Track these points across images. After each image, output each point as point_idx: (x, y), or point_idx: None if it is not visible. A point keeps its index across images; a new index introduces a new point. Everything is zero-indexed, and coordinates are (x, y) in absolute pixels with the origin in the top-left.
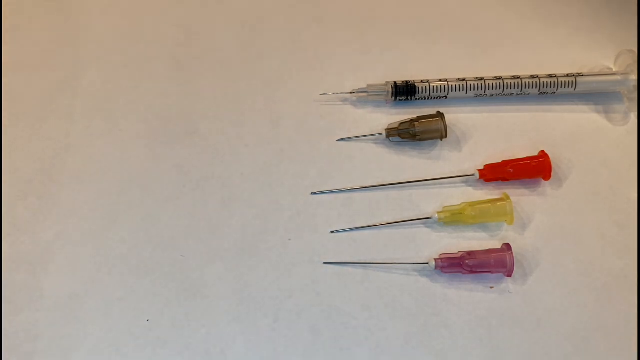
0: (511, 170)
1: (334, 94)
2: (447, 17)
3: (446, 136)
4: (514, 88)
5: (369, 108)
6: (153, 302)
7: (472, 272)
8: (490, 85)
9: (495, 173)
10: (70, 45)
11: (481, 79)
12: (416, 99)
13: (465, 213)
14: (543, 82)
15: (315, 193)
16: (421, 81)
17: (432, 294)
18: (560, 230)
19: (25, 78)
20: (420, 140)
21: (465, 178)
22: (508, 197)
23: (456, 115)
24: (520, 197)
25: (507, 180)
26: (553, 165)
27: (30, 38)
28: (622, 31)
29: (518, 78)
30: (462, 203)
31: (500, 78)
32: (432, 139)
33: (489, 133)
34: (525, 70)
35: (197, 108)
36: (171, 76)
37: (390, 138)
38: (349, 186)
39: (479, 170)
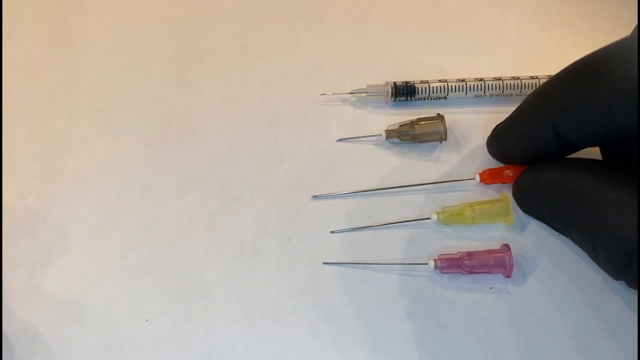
0: (511, 173)
1: (333, 94)
2: (447, 17)
3: (446, 139)
4: (514, 89)
5: (369, 108)
6: (153, 302)
7: (471, 272)
8: (490, 86)
9: (496, 178)
10: (70, 45)
11: (481, 79)
12: (416, 99)
13: (464, 214)
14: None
15: (315, 197)
16: (421, 82)
17: (432, 294)
18: None
19: (25, 78)
20: (420, 142)
21: (464, 182)
22: (507, 198)
23: (456, 116)
24: None
25: (508, 182)
26: None
27: (30, 38)
28: (622, 31)
29: (518, 79)
30: (462, 203)
31: (499, 79)
32: (431, 140)
33: (489, 134)
34: (524, 70)
35: (197, 108)
36: (171, 76)
37: (390, 139)
38: (348, 187)
39: (480, 174)
